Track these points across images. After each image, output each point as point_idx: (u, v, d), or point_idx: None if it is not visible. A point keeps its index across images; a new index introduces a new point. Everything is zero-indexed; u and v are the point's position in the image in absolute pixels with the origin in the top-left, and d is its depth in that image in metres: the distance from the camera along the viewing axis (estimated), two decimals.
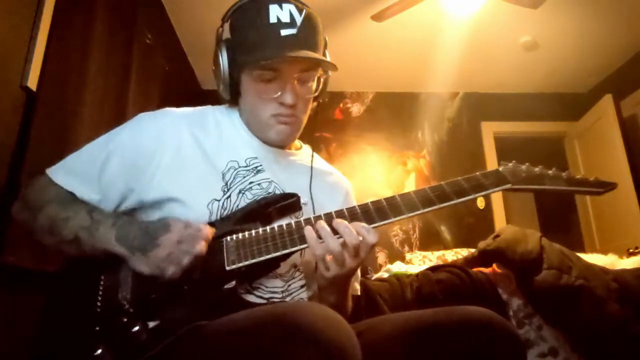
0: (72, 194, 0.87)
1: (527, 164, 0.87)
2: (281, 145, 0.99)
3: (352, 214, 0.81)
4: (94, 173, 0.87)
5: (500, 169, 0.86)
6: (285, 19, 0.86)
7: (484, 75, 3.80)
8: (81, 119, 1.63)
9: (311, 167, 1.01)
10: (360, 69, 3.67)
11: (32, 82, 1.40)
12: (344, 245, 0.77)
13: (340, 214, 0.81)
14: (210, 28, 0.93)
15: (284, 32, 0.85)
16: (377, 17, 2.73)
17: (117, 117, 1.92)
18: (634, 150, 3.36)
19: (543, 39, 3.29)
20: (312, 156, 1.03)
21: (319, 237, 0.77)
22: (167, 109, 0.96)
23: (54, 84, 1.49)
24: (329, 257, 0.78)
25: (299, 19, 0.87)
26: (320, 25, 0.92)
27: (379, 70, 3.72)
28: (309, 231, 0.77)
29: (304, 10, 0.88)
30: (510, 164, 0.87)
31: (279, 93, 0.89)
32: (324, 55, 0.96)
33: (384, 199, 0.82)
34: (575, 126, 3.88)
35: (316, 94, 0.97)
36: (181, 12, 2.82)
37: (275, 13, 0.85)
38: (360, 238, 0.77)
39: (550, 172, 0.86)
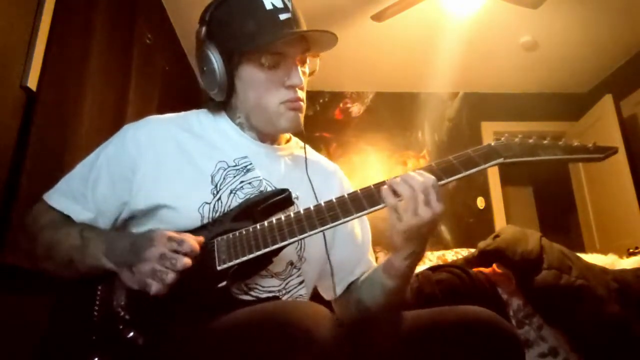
0: (67, 217, 0.87)
1: (520, 136, 0.82)
2: (294, 132, 1.00)
3: (341, 202, 0.79)
4: (86, 193, 0.88)
5: (493, 143, 0.83)
6: (279, 4, 0.89)
7: (484, 75, 3.80)
8: (81, 119, 1.63)
9: (305, 157, 1.00)
10: (360, 69, 3.67)
11: (32, 82, 1.40)
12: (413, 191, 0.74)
13: (335, 200, 0.79)
14: None
15: (282, 17, 0.87)
16: (377, 17, 2.73)
17: (117, 117, 1.92)
18: (634, 150, 3.36)
19: (543, 39, 3.29)
20: (305, 147, 1.03)
21: (394, 192, 0.76)
22: (150, 117, 0.96)
23: (54, 84, 1.48)
24: (402, 205, 0.75)
25: (289, 3, 0.90)
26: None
27: (379, 70, 3.71)
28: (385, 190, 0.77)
29: None
30: (503, 138, 0.83)
31: (286, 77, 0.90)
32: None
33: (372, 185, 0.80)
34: (575, 126, 3.88)
35: (310, 76, 0.99)
36: (181, 12, 2.82)
37: (269, 0, 0.88)
38: (425, 181, 0.75)
39: (545, 141, 0.81)
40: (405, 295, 0.93)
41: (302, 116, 0.94)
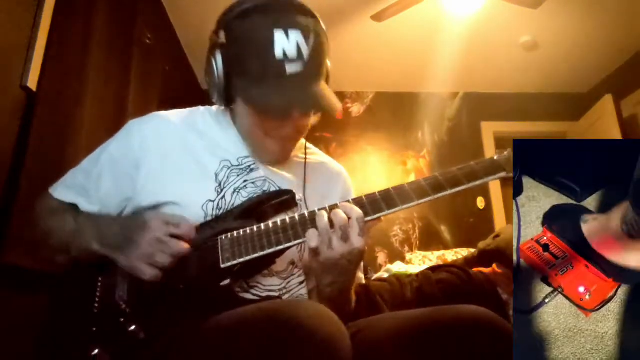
0: (70, 207, 0.88)
1: None
2: (279, 159, 0.98)
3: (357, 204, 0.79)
4: (90, 187, 0.89)
5: (496, 157, 0.83)
6: (292, 52, 0.79)
7: (484, 75, 3.79)
8: (81, 119, 1.63)
9: (304, 162, 1.00)
10: (360, 69, 3.67)
11: (32, 82, 1.40)
12: (332, 226, 0.75)
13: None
14: (210, 28, 0.91)
15: (289, 70, 0.79)
16: (377, 17, 2.73)
17: (117, 117, 1.92)
18: None
19: (543, 39, 3.29)
20: (305, 151, 1.01)
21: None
22: (156, 113, 0.95)
23: (54, 84, 1.49)
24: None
25: (306, 51, 0.80)
26: (325, 41, 0.86)
27: (379, 70, 3.71)
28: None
29: (311, 37, 0.81)
30: (506, 152, 0.83)
31: (276, 125, 0.87)
32: (327, 75, 0.92)
33: (378, 192, 0.81)
34: (575, 126, 3.88)
35: (314, 120, 0.95)
36: (181, 12, 2.82)
37: (282, 45, 0.78)
38: (347, 218, 0.75)
39: None
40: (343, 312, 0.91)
41: (290, 148, 0.94)
